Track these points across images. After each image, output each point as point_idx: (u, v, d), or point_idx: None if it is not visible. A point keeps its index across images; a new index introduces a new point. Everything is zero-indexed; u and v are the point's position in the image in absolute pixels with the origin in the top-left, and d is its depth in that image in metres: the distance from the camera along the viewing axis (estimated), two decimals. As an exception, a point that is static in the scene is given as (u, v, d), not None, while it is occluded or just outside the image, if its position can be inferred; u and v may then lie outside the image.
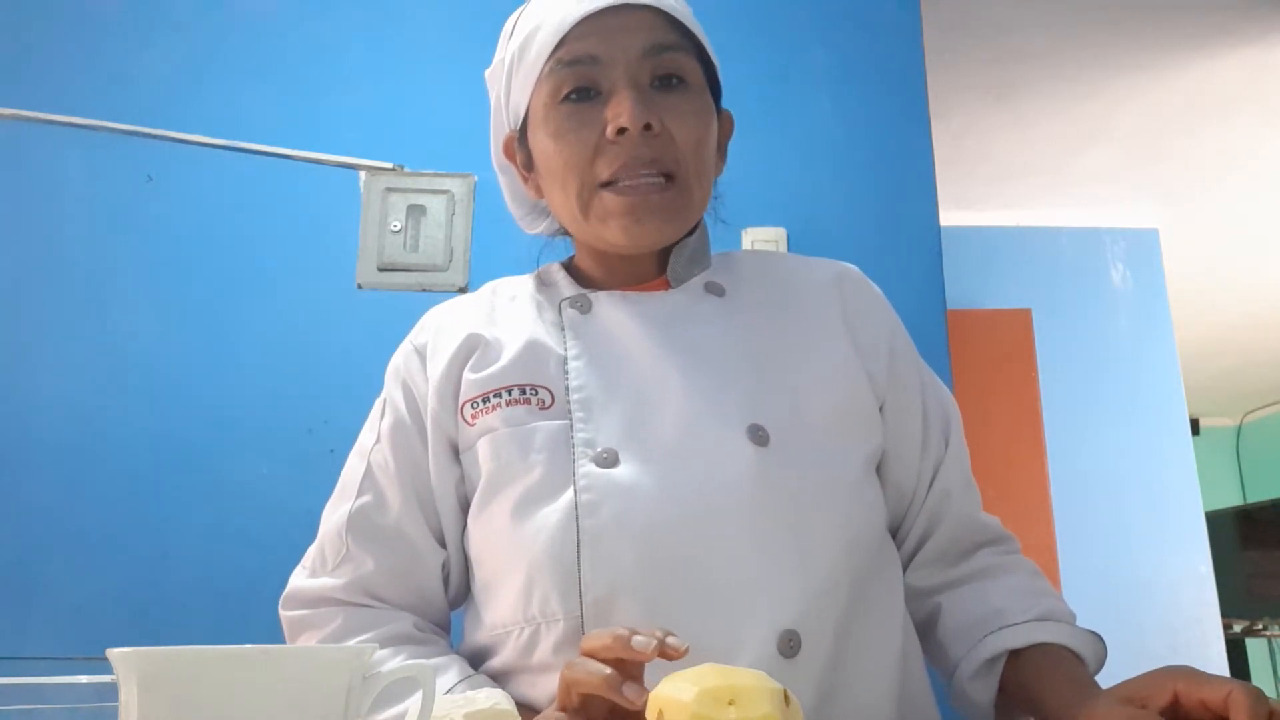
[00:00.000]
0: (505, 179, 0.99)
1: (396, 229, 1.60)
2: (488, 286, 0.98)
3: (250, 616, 1.44)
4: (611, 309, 0.85)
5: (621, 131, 0.79)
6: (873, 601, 0.79)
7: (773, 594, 0.73)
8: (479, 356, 0.85)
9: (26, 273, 1.56)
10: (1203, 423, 5.92)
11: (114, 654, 0.47)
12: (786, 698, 0.54)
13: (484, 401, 0.82)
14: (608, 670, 0.58)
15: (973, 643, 0.81)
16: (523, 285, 0.94)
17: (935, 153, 1.69)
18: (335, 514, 0.87)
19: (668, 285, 0.88)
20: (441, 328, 0.90)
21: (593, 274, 0.91)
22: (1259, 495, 5.90)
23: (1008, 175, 3.28)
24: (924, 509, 0.88)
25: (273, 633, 1.48)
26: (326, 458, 1.52)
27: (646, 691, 0.57)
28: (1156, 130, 2.99)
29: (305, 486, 1.50)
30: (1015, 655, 0.78)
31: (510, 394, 0.82)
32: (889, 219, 1.65)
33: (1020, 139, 3.05)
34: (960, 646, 0.82)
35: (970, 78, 2.69)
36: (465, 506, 0.85)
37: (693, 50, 0.84)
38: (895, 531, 0.90)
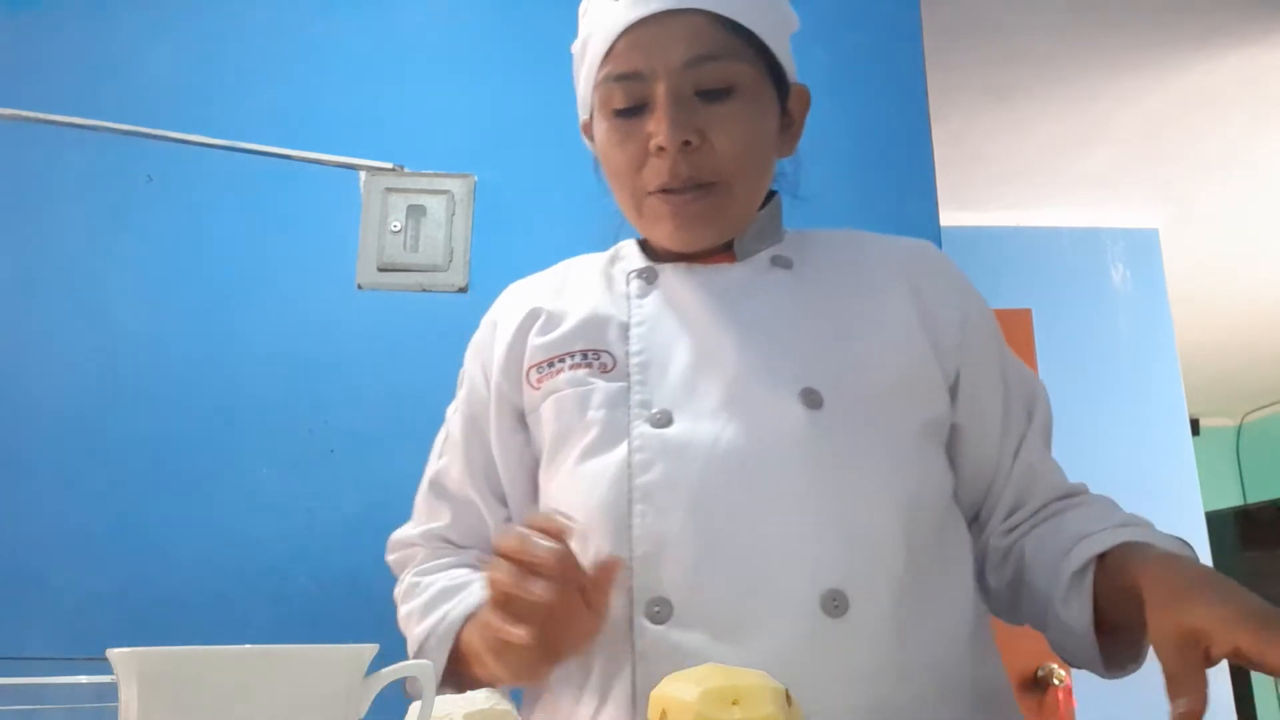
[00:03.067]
0: (592, 148, 1.01)
1: (396, 229, 1.60)
2: (562, 264, 1.01)
3: (250, 616, 1.44)
4: (676, 280, 0.88)
5: (662, 148, 0.82)
6: (939, 572, 0.79)
7: (817, 552, 0.74)
8: (543, 324, 0.90)
9: (26, 273, 1.56)
10: (1203, 423, 5.91)
11: (114, 654, 0.47)
12: (789, 698, 0.54)
13: (549, 366, 0.87)
14: (513, 568, 0.63)
15: (1057, 563, 0.79)
16: (595, 261, 0.98)
17: (935, 153, 1.69)
18: (425, 475, 0.97)
19: (734, 259, 0.90)
20: (510, 301, 0.96)
21: (664, 249, 0.93)
22: (1259, 495, 5.90)
23: (1008, 175, 3.28)
24: (1010, 483, 0.88)
25: (273, 633, 1.48)
26: (326, 458, 1.52)
27: (554, 589, 0.63)
28: (1156, 130, 2.99)
29: (305, 486, 1.51)
30: (1103, 562, 0.76)
31: (574, 358, 0.86)
32: (889, 219, 1.65)
33: (1020, 139, 3.04)
34: (1047, 575, 0.80)
35: (970, 78, 2.68)
36: (531, 470, 0.90)
37: (742, 49, 0.84)
38: (979, 509, 0.89)
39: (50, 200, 1.59)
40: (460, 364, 1.54)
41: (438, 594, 0.85)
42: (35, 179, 1.60)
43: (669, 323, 0.86)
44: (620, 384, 0.83)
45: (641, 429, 0.79)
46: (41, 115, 1.57)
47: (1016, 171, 3.25)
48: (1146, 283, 3.56)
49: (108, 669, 0.49)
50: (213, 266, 1.58)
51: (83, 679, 0.81)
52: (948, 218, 1.77)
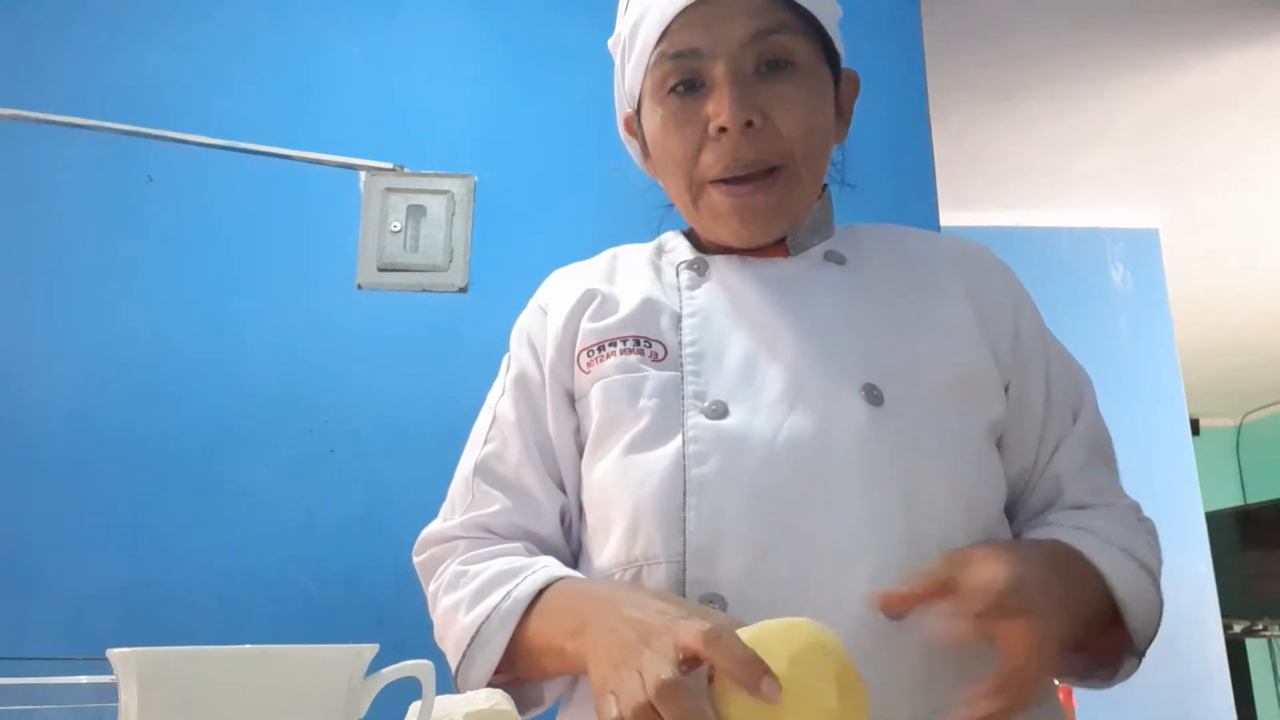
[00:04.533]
0: (631, 149, 0.99)
1: (396, 229, 1.60)
2: (609, 252, 0.97)
3: (250, 616, 1.44)
4: (729, 272, 0.86)
5: (723, 130, 0.79)
6: None
7: (878, 554, 0.71)
8: (596, 307, 0.87)
9: (26, 273, 1.56)
10: (1203, 423, 5.91)
11: (114, 654, 0.47)
12: (850, 677, 0.55)
13: (599, 350, 0.84)
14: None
15: None
16: (642, 251, 0.95)
17: (935, 153, 1.69)
18: (465, 464, 0.90)
19: (787, 254, 0.88)
20: (561, 285, 0.93)
21: (712, 242, 0.91)
22: (1259, 495, 5.90)
23: (1008, 175, 3.27)
24: (1035, 493, 0.86)
25: (273, 633, 1.49)
26: (326, 458, 1.52)
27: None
28: (1156, 130, 2.99)
29: (305, 486, 1.51)
30: None
31: (625, 344, 0.83)
32: (889, 219, 1.64)
33: (1020, 139, 3.04)
34: None
35: (970, 78, 2.68)
36: (583, 454, 0.86)
37: (802, 27, 0.82)
38: (1012, 510, 0.87)
39: (50, 200, 1.59)
40: (459, 364, 1.55)
41: (494, 576, 0.79)
42: (35, 179, 1.60)
43: (723, 314, 0.83)
44: (672, 373, 0.80)
45: (696, 420, 0.77)
46: (41, 115, 1.57)
47: (1016, 171, 3.25)
48: (1146, 283, 3.56)
49: (108, 669, 0.49)
50: (213, 266, 1.58)
51: (83, 679, 0.81)
52: (948, 218, 1.77)
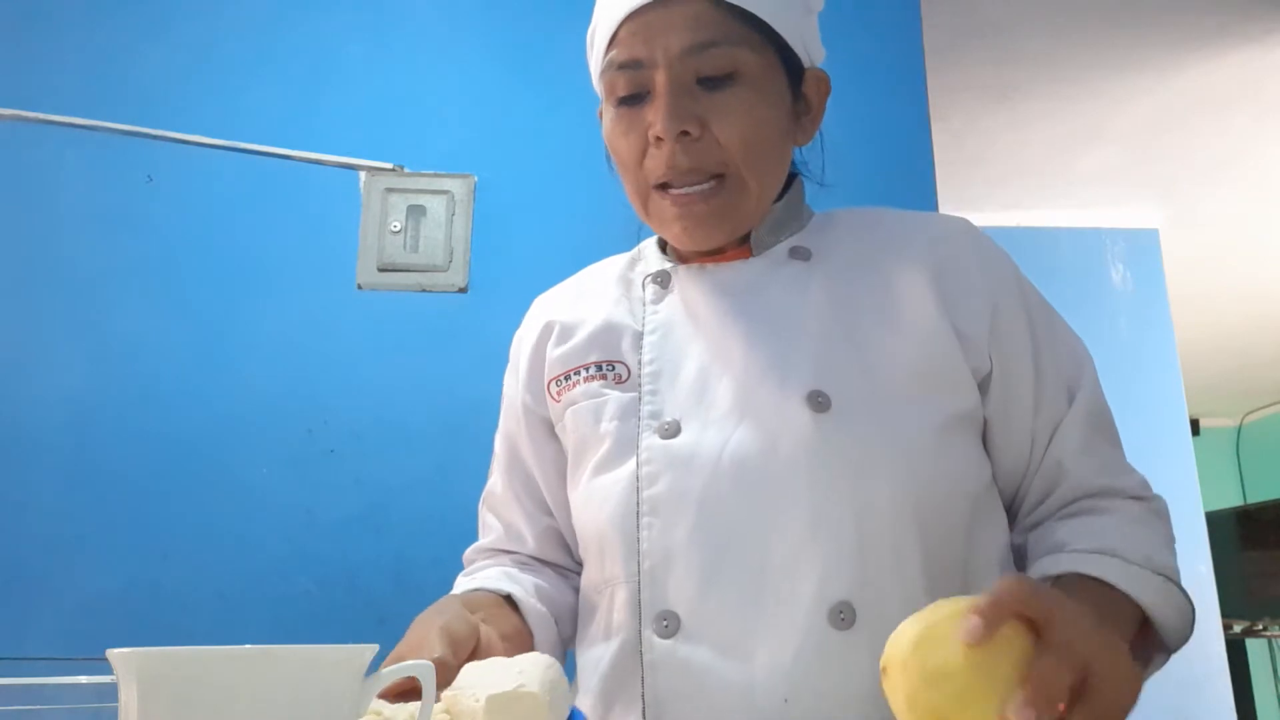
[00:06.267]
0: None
1: (396, 229, 1.60)
2: (585, 270, 1.00)
3: (250, 616, 1.44)
4: (689, 282, 0.87)
5: (659, 139, 0.80)
6: (966, 577, 0.75)
7: (824, 564, 0.72)
8: (558, 335, 0.91)
9: (26, 273, 1.56)
10: (1203, 423, 5.92)
11: (114, 654, 0.47)
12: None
13: (565, 380, 0.88)
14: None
15: (1028, 571, 0.76)
16: (615, 265, 0.97)
17: (935, 153, 1.69)
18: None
19: (750, 254, 0.87)
20: (531, 316, 0.98)
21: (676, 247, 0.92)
22: (1259, 495, 5.90)
23: (1008, 175, 3.27)
24: (1036, 478, 0.82)
25: (273, 633, 1.49)
26: (326, 458, 1.52)
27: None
28: (1156, 130, 2.99)
29: (305, 486, 1.51)
30: (1058, 584, 0.72)
31: (589, 370, 0.87)
32: (889, 219, 1.65)
33: (1020, 139, 3.04)
34: None
35: (970, 78, 2.68)
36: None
37: (748, 36, 0.80)
38: (1011, 503, 0.85)
39: (50, 200, 1.59)
40: (459, 364, 1.55)
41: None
42: (35, 179, 1.60)
43: (681, 329, 0.84)
44: (633, 394, 0.82)
45: (649, 441, 0.79)
46: (41, 115, 1.57)
47: (1016, 171, 3.25)
48: (1146, 283, 3.56)
49: (108, 669, 0.49)
50: (213, 266, 1.58)
51: (83, 679, 0.81)
52: (948, 218, 1.77)
